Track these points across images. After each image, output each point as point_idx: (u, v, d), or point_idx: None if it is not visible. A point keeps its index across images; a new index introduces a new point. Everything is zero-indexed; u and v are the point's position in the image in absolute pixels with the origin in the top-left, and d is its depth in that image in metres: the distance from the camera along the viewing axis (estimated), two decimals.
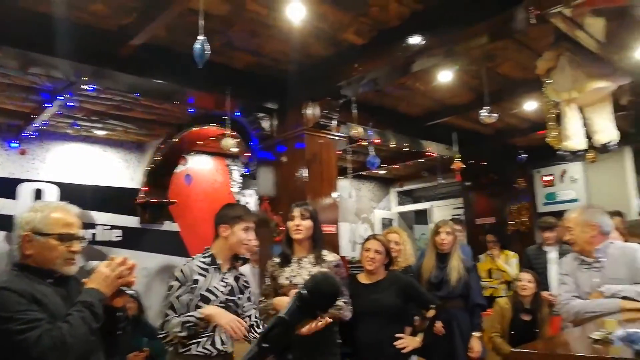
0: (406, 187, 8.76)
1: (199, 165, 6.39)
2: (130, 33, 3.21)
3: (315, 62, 3.85)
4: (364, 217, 8.33)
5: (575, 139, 2.99)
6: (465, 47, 3.31)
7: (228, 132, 3.99)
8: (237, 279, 2.51)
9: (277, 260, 2.83)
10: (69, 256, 1.71)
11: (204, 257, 2.45)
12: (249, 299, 2.53)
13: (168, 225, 6.05)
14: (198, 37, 2.42)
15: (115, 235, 5.59)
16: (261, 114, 4.26)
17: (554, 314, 3.92)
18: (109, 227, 5.53)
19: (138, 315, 3.94)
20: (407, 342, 2.89)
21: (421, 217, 8.86)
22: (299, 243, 2.78)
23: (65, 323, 1.55)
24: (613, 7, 2.60)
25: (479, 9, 2.92)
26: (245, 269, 3.53)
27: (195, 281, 2.35)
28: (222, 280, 2.41)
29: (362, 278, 3.11)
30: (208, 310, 2.27)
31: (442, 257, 3.52)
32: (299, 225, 2.73)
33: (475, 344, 3.37)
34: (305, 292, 0.86)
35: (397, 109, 5.30)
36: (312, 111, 4.06)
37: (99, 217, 5.49)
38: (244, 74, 4.01)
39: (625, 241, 2.98)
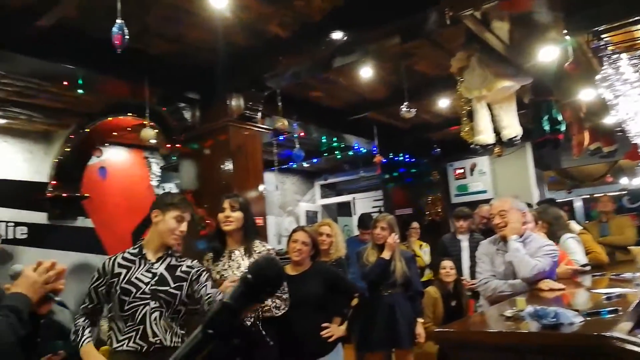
0: (330, 181, 8.91)
1: (114, 158, 6.04)
2: (37, 12, 2.96)
3: (239, 52, 3.79)
4: (289, 210, 8.37)
5: (485, 134, 3.23)
6: (380, 46, 3.44)
7: (147, 122, 3.81)
8: (173, 267, 2.35)
9: (210, 254, 2.81)
10: None
11: (133, 249, 2.35)
12: (207, 279, 2.38)
13: (82, 222, 5.66)
14: (117, 20, 2.28)
15: (21, 233, 5.14)
16: (183, 104, 4.12)
17: (470, 297, 4.27)
18: (12, 224, 5.07)
19: (51, 317, 3.68)
20: (333, 331, 2.95)
21: (344, 209, 9.07)
22: (230, 235, 2.75)
23: None
24: (517, 13, 2.83)
25: (394, 10, 3.04)
26: None
27: (116, 275, 2.24)
28: (147, 271, 2.28)
29: (289, 269, 3.13)
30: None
31: (383, 249, 3.62)
32: (229, 216, 2.71)
33: (421, 330, 3.56)
34: (250, 276, 0.85)
35: (320, 102, 5.37)
36: (236, 102, 4.01)
37: (1, 213, 5.02)
38: (164, 61, 3.85)
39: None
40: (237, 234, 2.75)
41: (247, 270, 0.86)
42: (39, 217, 5.33)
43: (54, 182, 5.36)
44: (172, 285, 2.30)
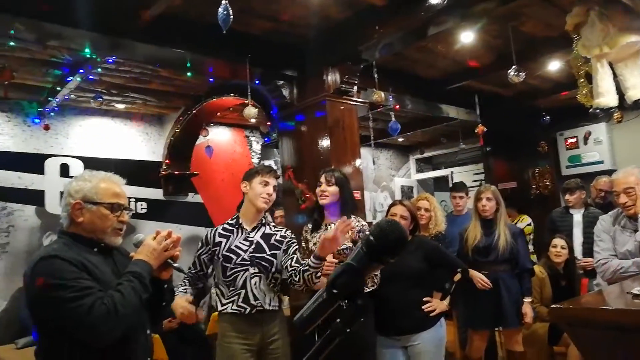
0: (426, 154, 8.68)
1: (218, 137, 6.41)
2: (148, 2, 3.18)
3: (334, 26, 3.78)
4: (383, 186, 8.32)
5: (607, 96, 2.89)
6: (483, 8, 3.22)
7: (249, 101, 3.95)
8: (268, 235, 2.52)
9: (310, 225, 2.93)
10: (118, 226, 1.72)
11: (231, 220, 2.57)
12: (294, 252, 2.49)
13: (192, 197, 6.14)
14: (222, 2, 2.38)
15: (141, 208, 5.70)
16: (281, 82, 4.21)
17: (582, 276, 3.94)
18: (133, 199, 5.62)
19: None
20: (435, 305, 2.90)
21: (441, 183, 8.80)
22: (327, 209, 2.82)
23: (116, 292, 1.55)
24: None
25: None
26: None
27: (217, 244, 2.46)
28: (245, 239, 2.47)
29: None
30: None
31: (487, 223, 3.43)
32: (325, 191, 2.77)
33: (528, 310, 3.33)
34: (372, 238, 0.86)
35: (416, 72, 5.19)
36: (332, 77, 4.01)
37: (126, 190, 5.59)
38: (262, 41, 3.95)
39: None
40: (334, 208, 2.81)
41: (369, 233, 0.87)
42: (156, 194, 5.86)
43: (167, 161, 5.83)
44: (268, 252, 2.47)
